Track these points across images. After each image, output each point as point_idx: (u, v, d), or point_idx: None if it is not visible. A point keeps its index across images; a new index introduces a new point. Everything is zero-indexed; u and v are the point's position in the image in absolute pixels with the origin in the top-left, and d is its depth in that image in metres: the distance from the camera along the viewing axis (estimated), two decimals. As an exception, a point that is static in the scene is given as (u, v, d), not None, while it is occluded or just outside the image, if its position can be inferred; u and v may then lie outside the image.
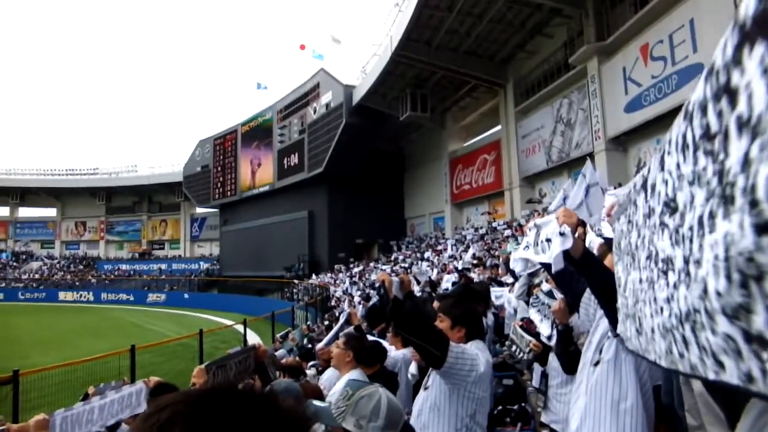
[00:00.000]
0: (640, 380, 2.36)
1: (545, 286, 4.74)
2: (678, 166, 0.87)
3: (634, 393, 2.33)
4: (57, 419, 3.13)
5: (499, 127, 27.97)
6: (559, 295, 3.78)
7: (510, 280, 9.26)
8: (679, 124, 0.87)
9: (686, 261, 0.83)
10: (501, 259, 12.77)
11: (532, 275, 5.62)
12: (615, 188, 5.56)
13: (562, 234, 2.13)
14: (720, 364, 0.74)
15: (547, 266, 2.58)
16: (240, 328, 15.56)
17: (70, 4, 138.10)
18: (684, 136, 0.84)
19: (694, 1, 15.36)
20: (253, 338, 15.86)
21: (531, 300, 4.79)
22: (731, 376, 0.72)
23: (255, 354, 3.66)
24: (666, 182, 0.94)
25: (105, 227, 59.45)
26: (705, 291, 0.75)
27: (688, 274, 0.83)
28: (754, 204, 0.63)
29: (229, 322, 19.32)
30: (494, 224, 25.38)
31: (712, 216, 0.73)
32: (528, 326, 4.65)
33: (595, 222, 5.13)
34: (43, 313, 35.30)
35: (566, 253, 2.14)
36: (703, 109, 0.75)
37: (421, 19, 22.59)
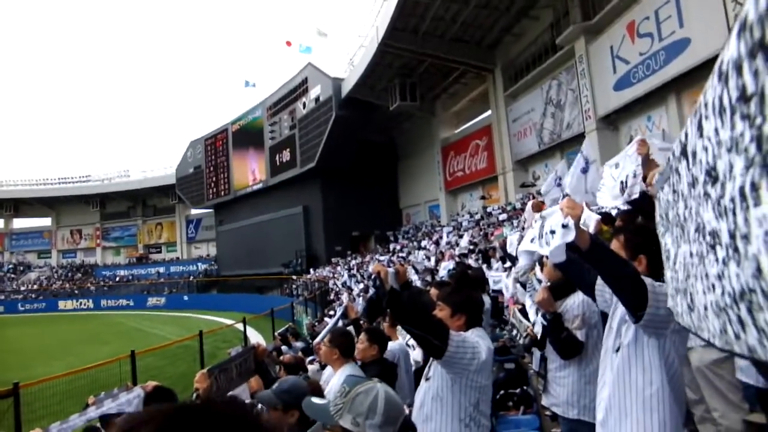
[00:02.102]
0: (666, 361, 2.24)
1: (539, 273, 4.71)
2: (716, 131, 0.82)
3: (659, 377, 2.22)
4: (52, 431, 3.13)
5: (489, 112, 27.90)
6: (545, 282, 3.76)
7: (507, 264, 9.24)
8: (714, 86, 0.82)
9: (732, 235, 0.78)
10: (498, 244, 12.78)
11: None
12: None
13: (565, 226, 2.07)
14: None
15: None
16: (240, 326, 15.54)
17: (54, 11, 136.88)
18: (720, 99, 0.78)
19: (679, -25, 15.30)
20: (253, 336, 15.86)
21: (527, 288, 4.78)
22: None
23: (254, 354, 3.64)
24: (706, 149, 0.88)
25: (101, 234, 59.23)
26: (759, 270, 0.69)
27: (736, 249, 0.77)
28: None
29: (229, 322, 19.30)
30: (489, 209, 25.39)
31: (754, 187, 0.67)
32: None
33: (583, 199, 5.12)
34: (44, 323, 35.24)
35: (572, 245, 2.09)
36: (738, 69, 0.70)
37: (406, 7, 22.45)
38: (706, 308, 1.01)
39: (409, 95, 28.96)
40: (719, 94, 0.79)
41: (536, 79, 23.53)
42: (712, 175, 0.85)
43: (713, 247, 0.89)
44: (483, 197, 29.01)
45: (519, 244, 3.91)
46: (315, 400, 1.97)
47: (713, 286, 0.92)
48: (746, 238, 0.72)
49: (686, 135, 1.03)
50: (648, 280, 2.16)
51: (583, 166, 5.79)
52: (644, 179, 3.61)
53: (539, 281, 4.35)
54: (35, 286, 52.97)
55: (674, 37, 15.67)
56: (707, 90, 0.85)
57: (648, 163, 3.52)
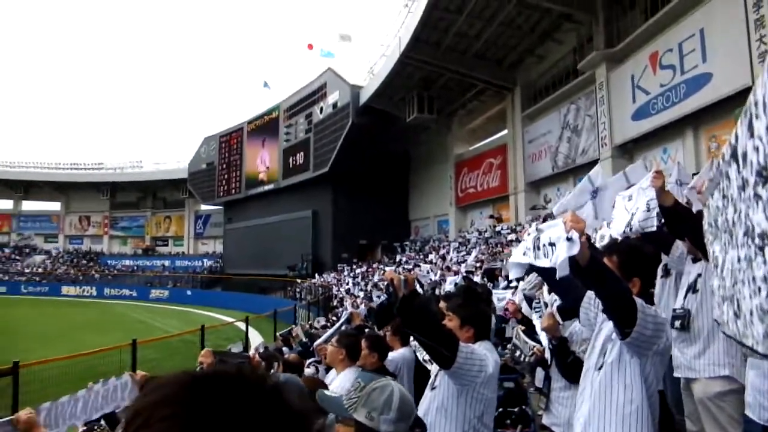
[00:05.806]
0: (645, 381, 2.30)
1: (545, 295, 4.70)
2: None
3: (639, 395, 2.28)
4: (42, 413, 3.14)
5: (505, 131, 27.96)
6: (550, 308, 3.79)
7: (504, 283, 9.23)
8: (765, 83, 0.78)
9: None
10: (506, 262, 12.77)
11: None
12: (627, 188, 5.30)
13: (569, 239, 2.06)
14: None
15: (544, 271, 2.53)
16: (242, 325, 15.53)
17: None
18: None
19: (705, 11, 15.33)
20: (254, 336, 15.85)
21: (534, 305, 4.77)
22: None
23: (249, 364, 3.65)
24: (757, 149, 0.83)
25: (109, 222, 59.37)
26: None
27: None
28: None
29: (231, 320, 19.30)
30: (498, 228, 25.35)
31: None
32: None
33: (598, 225, 5.07)
34: (46, 307, 35.30)
35: (571, 260, 2.07)
36: None
37: (430, 20, 22.60)
38: (751, 313, 0.97)
39: (426, 108, 29.10)
40: None
41: (555, 102, 23.57)
42: (763, 175, 0.82)
43: (762, 249, 0.86)
44: (492, 216, 28.96)
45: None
46: (327, 392, 2.01)
47: (759, 289, 0.89)
48: None
49: (736, 137, 0.99)
50: (638, 300, 2.21)
51: (591, 190, 5.60)
52: (661, 209, 3.56)
53: (546, 304, 4.35)
54: (40, 270, 53.14)
55: (696, 71, 15.68)
56: (757, 88, 0.82)
57: (663, 195, 3.47)
